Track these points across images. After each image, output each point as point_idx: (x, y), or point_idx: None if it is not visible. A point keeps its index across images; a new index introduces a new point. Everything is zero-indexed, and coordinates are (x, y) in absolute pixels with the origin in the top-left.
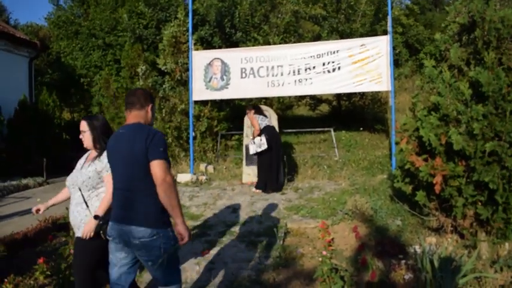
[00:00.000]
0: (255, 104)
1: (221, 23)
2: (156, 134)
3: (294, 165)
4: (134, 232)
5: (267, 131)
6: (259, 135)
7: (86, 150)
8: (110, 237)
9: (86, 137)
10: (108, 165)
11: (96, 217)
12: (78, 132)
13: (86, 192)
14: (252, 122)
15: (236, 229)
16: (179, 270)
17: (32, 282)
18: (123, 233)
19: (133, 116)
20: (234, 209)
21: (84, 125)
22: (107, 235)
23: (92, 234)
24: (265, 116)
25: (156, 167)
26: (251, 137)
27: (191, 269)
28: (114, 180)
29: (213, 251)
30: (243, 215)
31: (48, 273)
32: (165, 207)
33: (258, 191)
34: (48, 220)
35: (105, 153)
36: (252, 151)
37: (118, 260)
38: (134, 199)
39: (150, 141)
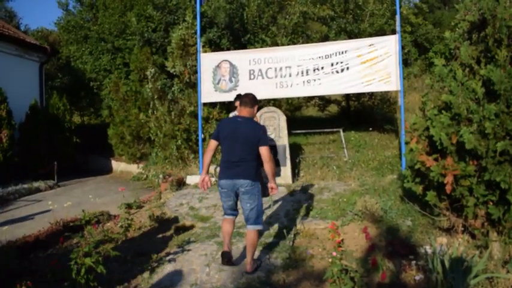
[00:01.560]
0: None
1: (229, 25)
2: (263, 128)
3: (303, 166)
4: (242, 183)
5: None
6: None
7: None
8: (223, 189)
9: None
10: None
11: None
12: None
13: None
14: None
15: (245, 230)
16: (262, 215)
17: (43, 284)
18: (234, 184)
19: (246, 112)
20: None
21: None
22: (219, 186)
23: None
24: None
25: (265, 151)
26: None
27: (201, 271)
28: (227, 153)
29: None
30: None
31: (60, 275)
32: (258, 170)
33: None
34: (60, 223)
35: None
36: None
37: (227, 204)
38: (243, 165)
39: (261, 133)
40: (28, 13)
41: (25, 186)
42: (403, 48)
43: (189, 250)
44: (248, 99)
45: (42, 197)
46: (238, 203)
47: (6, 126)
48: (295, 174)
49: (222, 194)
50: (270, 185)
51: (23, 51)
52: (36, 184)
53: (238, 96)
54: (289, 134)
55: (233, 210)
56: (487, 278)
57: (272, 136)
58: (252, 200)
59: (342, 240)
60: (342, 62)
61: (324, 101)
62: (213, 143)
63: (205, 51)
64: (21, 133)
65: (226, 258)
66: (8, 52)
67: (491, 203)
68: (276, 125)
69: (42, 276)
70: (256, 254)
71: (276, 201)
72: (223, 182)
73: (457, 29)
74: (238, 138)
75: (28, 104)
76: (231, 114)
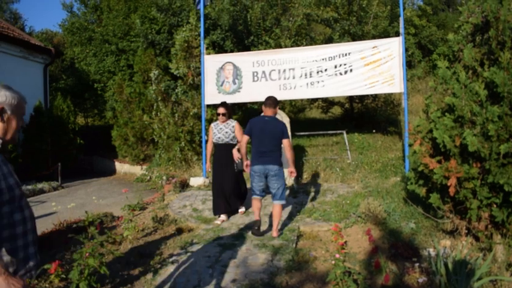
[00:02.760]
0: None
1: (233, 27)
2: (285, 124)
3: (307, 167)
4: (271, 168)
5: None
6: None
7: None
8: (256, 173)
9: None
10: None
11: None
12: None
13: None
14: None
15: (249, 232)
16: (285, 193)
17: (47, 285)
18: (265, 169)
19: (271, 111)
20: (247, 212)
21: None
22: (253, 171)
23: None
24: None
25: (287, 142)
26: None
27: (204, 272)
28: (258, 145)
29: (226, 254)
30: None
31: (63, 276)
32: (282, 158)
33: (224, 218)
34: (63, 224)
35: None
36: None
37: (258, 185)
38: (272, 154)
39: (284, 128)
40: (33, 15)
41: (29, 187)
42: (406, 50)
43: (192, 252)
44: (271, 101)
45: (46, 198)
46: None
47: None
48: (298, 176)
49: (255, 177)
50: (290, 169)
51: (27, 53)
52: (40, 185)
53: (222, 104)
54: (293, 135)
55: (262, 192)
56: (490, 280)
57: None
58: (278, 181)
59: (345, 242)
60: (345, 64)
61: (328, 103)
62: (246, 138)
63: (208, 53)
64: (25, 134)
65: (257, 226)
66: (12, 54)
67: (494, 206)
68: None
69: (46, 276)
70: (260, 255)
71: None
72: (256, 167)
73: (460, 31)
74: (266, 133)
75: (32, 105)
76: (213, 124)
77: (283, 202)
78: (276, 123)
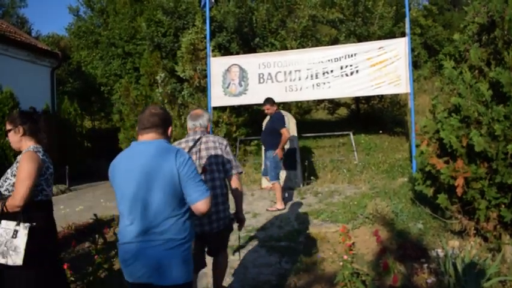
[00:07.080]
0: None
1: (238, 29)
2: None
3: (314, 169)
4: (268, 153)
5: None
6: None
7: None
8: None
9: None
10: None
11: None
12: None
13: None
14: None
15: (256, 234)
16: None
17: None
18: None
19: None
20: (254, 214)
21: None
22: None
23: None
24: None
25: (286, 132)
26: None
27: (211, 275)
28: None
29: (234, 257)
30: (263, 220)
31: (72, 278)
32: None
33: None
34: (71, 227)
35: None
36: None
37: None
38: (268, 142)
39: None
40: (39, 19)
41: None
42: (412, 50)
43: None
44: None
45: (54, 201)
46: None
47: None
48: (305, 177)
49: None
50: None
51: (34, 57)
52: None
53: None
54: (299, 137)
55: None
56: (500, 281)
57: None
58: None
59: (353, 243)
60: (351, 65)
61: (334, 104)
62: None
63: (214, 56)
64: None
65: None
66: (20, 58)
67: (503, 206)
68: None
69: None
70: (268, 257)
71: (286, 205)
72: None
73: (466, 31)
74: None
75: (40, 109)
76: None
77: (275, 181)
78: (273, 121)
